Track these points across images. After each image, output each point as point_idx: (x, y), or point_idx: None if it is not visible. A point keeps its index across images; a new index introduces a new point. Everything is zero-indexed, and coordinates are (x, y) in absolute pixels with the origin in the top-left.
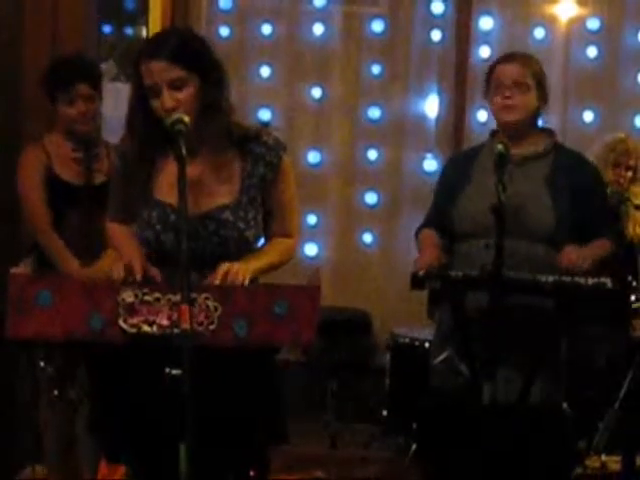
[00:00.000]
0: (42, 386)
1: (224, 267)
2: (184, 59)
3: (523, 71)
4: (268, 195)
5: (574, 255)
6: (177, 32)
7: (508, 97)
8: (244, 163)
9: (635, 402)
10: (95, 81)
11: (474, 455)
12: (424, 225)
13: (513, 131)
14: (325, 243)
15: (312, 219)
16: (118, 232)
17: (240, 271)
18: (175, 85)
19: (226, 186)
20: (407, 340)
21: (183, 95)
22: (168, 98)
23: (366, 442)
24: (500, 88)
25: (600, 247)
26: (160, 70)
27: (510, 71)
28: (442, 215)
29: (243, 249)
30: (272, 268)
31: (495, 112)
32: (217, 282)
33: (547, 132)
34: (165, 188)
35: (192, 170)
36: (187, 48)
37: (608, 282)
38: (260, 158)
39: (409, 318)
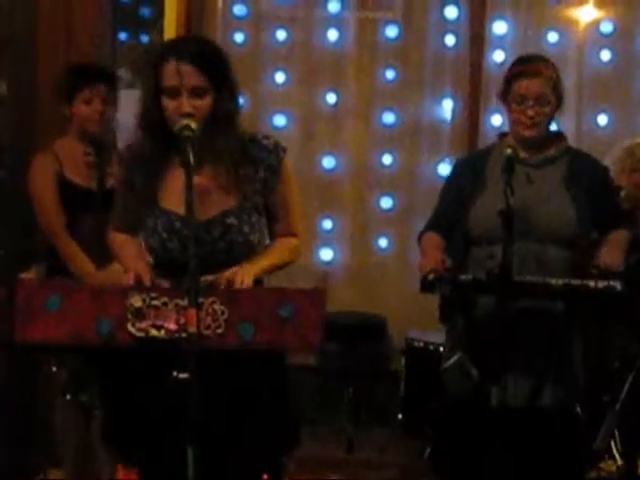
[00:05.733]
0: (56, 390)
1: (227, 275)
2: (210, 70)
3: (545, 88)
4: (270, 198)
5: (609, 259)
6: (206, 41)
7: (531, 117)
8: (245, 168)
9: (636, 404)
10: (113, 84)
11: (488, 458)
12: (427, 229)
13: (530, 143)
14: (340, 248)
15: (327, 224)
16: (122, 242)
17: (243, 278)
18: (196, 92)
19: (229, 191)
20: (422, 344)
21: (201, 104)
22: (187, 103)
23: (382, 446)
24: (522, 104)
25: (622, 239)
26: (187, 74)
27: (533, 89)
28: (452, 218)
29: (248, 253)
30: (275, 269)
31: (515, 126)
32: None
33: (558, 136)
34: (171, 197)
35: (197, 178)
36: (214, 60)
37: (617, 285)
38: (261, 162)
39: (424, 322)
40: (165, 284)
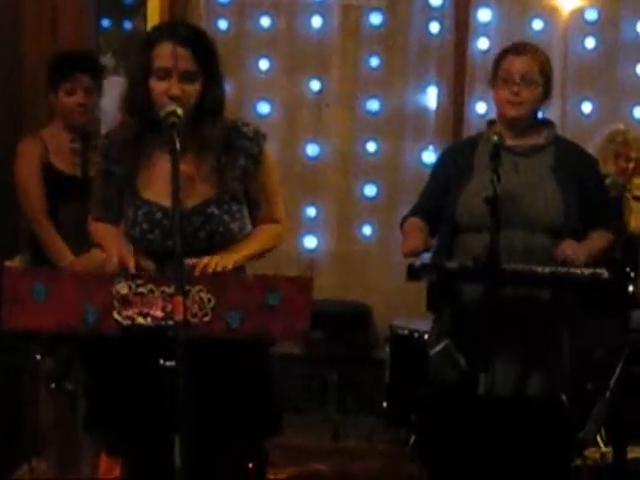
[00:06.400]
0: (41, 379)
1: (204, 261)
2: (203, 57)
3: (532, 66)
4: (251, 185)
5: (569, 250)
6: (198, 28)
7: (516, 93)
8: (226, 156)
9: (626, 392)
10: (96, 74)
11: (472, 446)
12: (410, 215)
13: (515, 125)
14: (324, 235)
15: (311, 211)
16: (103, 230)
17: (219, 265)
18: (187, 77)
19: (208, 180)
20: (406, 332)
21: (190, 89)
22: (177, 86)
23: (367, 434)
24: (508, 82)
25: (599, 239)
26: (182, 57)
27: (520, 65)
28: (437, 205)
29: (229, 241)
30: (257, 256)
31: (500, 105)
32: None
33: (547, 124)
34: (152, 186)
35: (180, 166)
36: (207, 47)
37: (604, 273)
38: (241, 150)
39: (408, 310)
40: (150, 264)
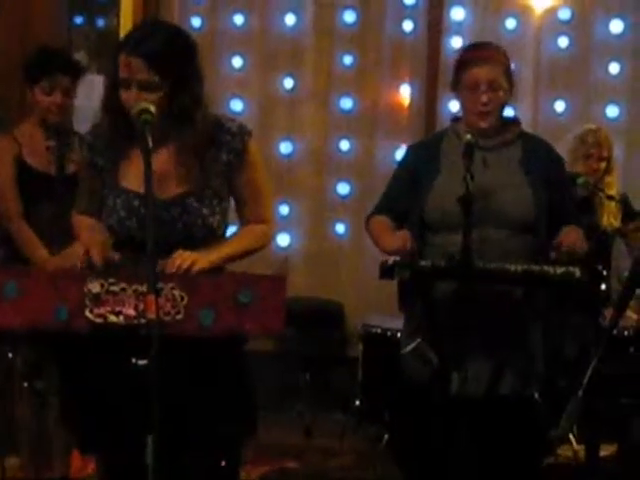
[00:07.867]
0: (13, 378)
1: (177, 259)
2: (162, 66)
3: (498, 73)
4: (236, 182)
5: (578, 241)
6: (164, 32)
7: (485, 103)
8: (209, 150)
9: (598, 390)
10: (76, 76)
11: (445, 444)
12: (376, 212)
13: (485, 133)
14: (297, 233)
15: (284, 209)
16: (82, 223)
17: (193, 261)
18: (145, 87)
19: (190, 173)
20: (379, 330)
21: (151, 98)
22: (135, 96)
23: (340, 432)
24: (475, 92)
25: (577, 231)
26: (136, 68)
27: (485, 75)
28: (404, 203)
29: (208, 236)
30: (238, 256)
31: (469, 116)
32: (168, 271)
33: (511, 121)
34: (131, 176)
35: (157, 158)
36: (169, 54)
37: (577, 271)
38: (224, 145)
39: (381, 308)
40: (116, 256)
